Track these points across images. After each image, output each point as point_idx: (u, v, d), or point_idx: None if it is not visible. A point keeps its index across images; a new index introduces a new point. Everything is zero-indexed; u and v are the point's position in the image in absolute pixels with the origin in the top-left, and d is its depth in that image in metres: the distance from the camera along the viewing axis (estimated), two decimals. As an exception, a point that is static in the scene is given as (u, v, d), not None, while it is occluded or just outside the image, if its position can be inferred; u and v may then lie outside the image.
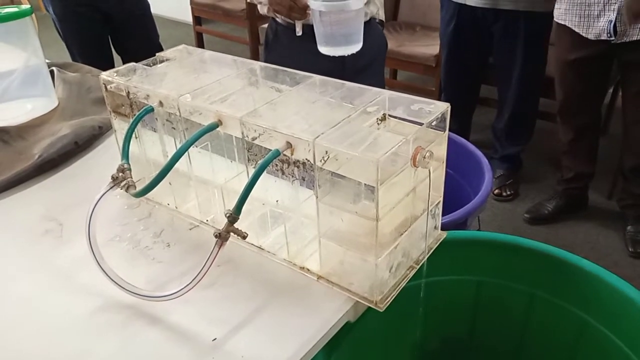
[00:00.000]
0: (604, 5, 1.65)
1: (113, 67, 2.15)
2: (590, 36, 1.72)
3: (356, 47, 1.14)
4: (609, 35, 1.67)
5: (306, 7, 1.17)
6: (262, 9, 1.39)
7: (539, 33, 2.02)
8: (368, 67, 1.47)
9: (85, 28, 2.08)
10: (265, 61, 1.52)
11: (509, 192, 2.21)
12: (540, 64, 2.11)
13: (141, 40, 2.19)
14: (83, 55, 2.11)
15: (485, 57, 2.19)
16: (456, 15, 2.09)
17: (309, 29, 1.23)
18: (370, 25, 1.48)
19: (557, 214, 2.07)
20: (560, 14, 1.81)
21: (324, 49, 1.17)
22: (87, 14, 2.04)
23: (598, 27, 1.69)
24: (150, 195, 0.62)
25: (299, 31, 1.28)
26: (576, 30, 1.76)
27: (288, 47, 1.34)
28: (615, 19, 1.63)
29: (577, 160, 2.02)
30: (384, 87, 1.64)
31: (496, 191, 2.21)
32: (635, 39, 1.64)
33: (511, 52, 2.06)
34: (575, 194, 2.08)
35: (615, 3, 1.62)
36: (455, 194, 1.42)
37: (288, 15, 1.26)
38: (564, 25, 1.79)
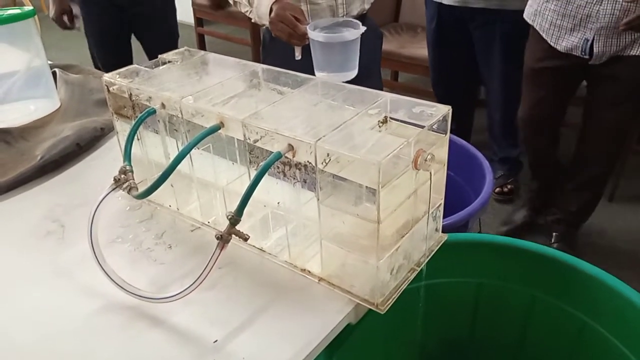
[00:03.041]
0: (579, 21, 1.51)
1: (130, 60, 2.29)
2: (559, 47, 1.60)
3: (352, 74, 1.17)
4: (582, 53, 1.55)
5: (305, 34, 1.20)
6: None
7: (516, 33, 1.95)
8: (366, 68, 1.48)
9: (103, 20, 2.18)
10: (263, 62, 1.53)
11: (508, 188, 2.21)
12: (521, 65, 2.09)
13: (159, 32, 2.29)
14: (99, 47, 2.22)
15: (472, 57, 2.16)
16: (437, 14, 2.09)
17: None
18: (365, 23, 1.48)
19: (529, 224, 2.03)
20: (530, 14, 1.69)
21: (320, 75, 1.19)
22: (105, 5, 2.13)
23: (570, 42, 1.56)
24: (152, 197, 0.62)
25: (298, 55, 1.31)
26: (544, 36, 1.63)
27: (284, 48, 1.35)
28: (593, 38, 1.50)
29: (540, 175, 1.96)
30: (381, 86, 1.66)
31: (497, 190, 2.21)
32: (613, 54, 1.54)
33: (489, 53, 2.04)
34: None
35: (595, 22, 1.48)
36: (456, 195, 1.42)
37: (288, 41, 1.29)
38: (535, 28, 1.68)
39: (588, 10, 1.48)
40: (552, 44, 1.61)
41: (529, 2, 1.70)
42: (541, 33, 1.64)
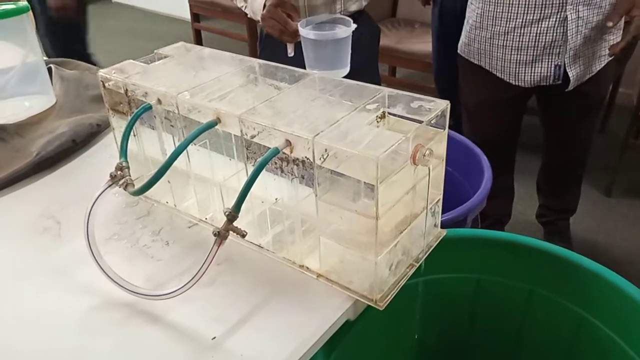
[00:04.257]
0: (543, 50, 1.36)
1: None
2: (524, 84, 1.43)
3: (343, 72, 1.16)
4: (556, 80, 1.40)
5: (296, 31, 1.20)
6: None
7: None
8: (364, 63, 1.48)
9: None
10: (260, 56, 1.53)
11: None
12: None
13: None
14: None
15: None
16: (440, 3, 2.10)
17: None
18: (362, 18, 1.48)
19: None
20: (472, 52, 1.50)
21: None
22: None
23: (536, 74, 1.40)
24: (148, 193, 0.62)
25: (290, 52, 1.31)
26: (499, 75, 1.46)
27: (281, 44, 1.34)
28: (565, 63, 1.37)
29: (495, 204, 1.75)
30: (379, 81, 1.66)
31: None
32: (588, 77, 1.42)
33: None
34: None
35: (562, 46, 1.34)
36: (454, 191, 1.42)
37: (279, 37, 1.29)
38: (476, 65, 1.49)
39: (551, 36, 1.35)
40: (512, 82, 1.45)
41: (463, 40, 1.54)
42: (493, 72, 1.48)
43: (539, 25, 1.34)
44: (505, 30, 1.39)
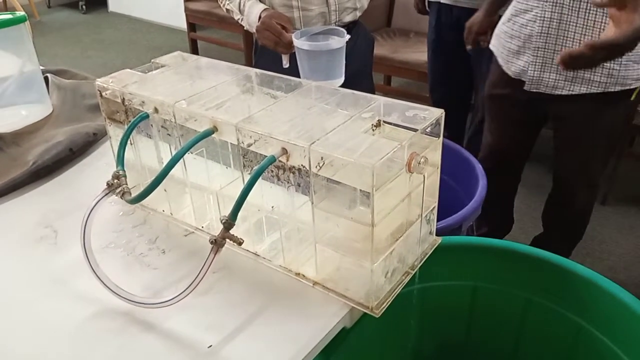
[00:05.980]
0: (524, 42, 1.37)
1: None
2: (510, 72, 1.45)
3: (338, 82, 1.18)
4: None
5: (290, 42, 1.22)
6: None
7: None
8: (358, 72, 1.49)
9: None
10: (255, 66, 1.54)
11: None
12: None
13: None
14: None
15: (468, 61, 2.15)
16: (436, 14, 2.11)
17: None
18: (357, 28, 1.50)
19: None
20: (493, 39, 1.55)
21: None
22: None
23: (518, 65, 1.41)
24: (145, 201, 0.62)
25: (285, 64, 1.32)
26: (498, 59, 1.50)
27: (276, 54, 1.35)
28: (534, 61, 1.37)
29: (490, 219, 1.76)
30: (373, 89, 1.67)
31: None
32: (560, 93, 1.35)
33: (481, 53, 1.98)
34: None
35: (531, 42, 1.34)
36: (449, 199, 1.42)
37: (274, 49, 1.31)
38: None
39: (529, 30, 1.35)
40: (504, 68, 1.46)
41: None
42: (497, 56, 1.51)
43: (524, 17, 1.36)
44: (508, 16, 1.43)
